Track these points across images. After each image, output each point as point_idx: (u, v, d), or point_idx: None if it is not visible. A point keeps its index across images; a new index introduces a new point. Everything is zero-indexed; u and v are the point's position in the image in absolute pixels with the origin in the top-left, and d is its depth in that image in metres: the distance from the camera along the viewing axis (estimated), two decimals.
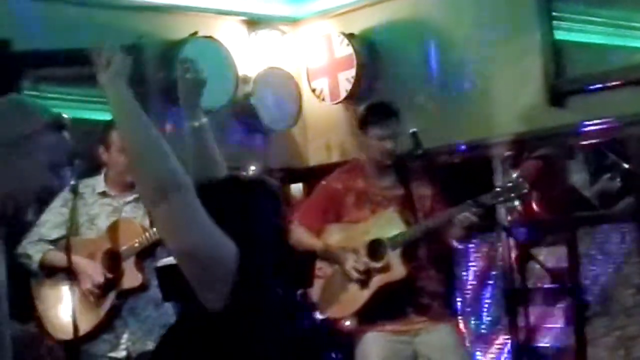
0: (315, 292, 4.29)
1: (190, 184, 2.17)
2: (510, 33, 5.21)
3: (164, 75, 5.56)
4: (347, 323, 4.46)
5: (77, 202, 3.88)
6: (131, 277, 3.90)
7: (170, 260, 2.28)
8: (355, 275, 4.08)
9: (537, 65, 5.06)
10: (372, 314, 4.11)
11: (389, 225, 4.09)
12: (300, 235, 4.25)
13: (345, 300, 4.16)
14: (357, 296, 4.12)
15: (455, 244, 4.23)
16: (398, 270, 4.04)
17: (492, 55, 5.29)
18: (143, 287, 3.91)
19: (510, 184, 3.99)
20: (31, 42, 4.93)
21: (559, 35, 5.04)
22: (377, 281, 4.08)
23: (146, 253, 3.87)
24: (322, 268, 4.25)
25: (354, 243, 4.14)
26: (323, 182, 4.38)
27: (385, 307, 4.09)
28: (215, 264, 2.17)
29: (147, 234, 3.88)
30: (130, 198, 4.05)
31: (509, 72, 5.23)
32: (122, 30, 5.32)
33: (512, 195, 3.96)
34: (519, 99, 5.19)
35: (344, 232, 4.20)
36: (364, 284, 4.10)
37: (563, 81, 5.01)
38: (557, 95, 5.00)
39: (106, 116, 4.82)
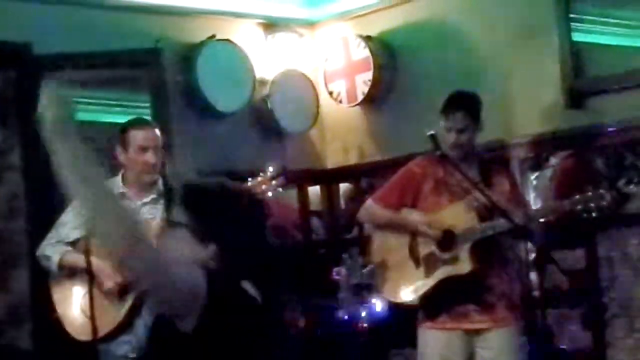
0: (378, 271, 4.29)
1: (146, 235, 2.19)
2: (528, 35, 5.21)
3: (183, 78, 5.59)
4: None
5: None
6: None
7: None
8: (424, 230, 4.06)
9: (556, 66, 5.06)
10: (434, 308, 4.09)
11: (464, 217, 4.05)
12: (374, 210, 4.26)
13: (408, 287, 4.14)
14: (420, 284, 4.10)
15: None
16: (465, 264, 4.00)
17: (510, 57, 5.29)
18: None
19: (590, 194, 3.93)
20: (51, 46, 4.97)
21: (577, 36, 5.03)
22: (442, 272, 4.04)
23: None
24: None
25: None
26: (405, 166, 4.34)
27: (448, 302, 4.06)
28: (184, 297, 2.22)
29: None
30: (147, 199, 4.07)
31: (527, 73, 5.22)
32: (140, 34, 5.35)
33: (592, 205, 3.90)
34: (537, 100, 5.18)
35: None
36: (428, 272, 4.08)
37: (581, 82, 5.00)
38: (575, 97, 4.99)
39: (124, 118, 4.86)
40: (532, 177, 5.25)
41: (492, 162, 4.27)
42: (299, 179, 5.99)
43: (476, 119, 4.12)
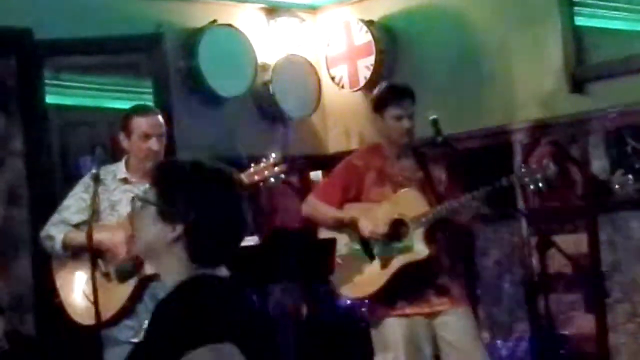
0: (335, 274, 4.25)
1: None
2: (530, 19, 5.20)
3: (184, 63, 5.59)
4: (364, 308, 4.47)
5: (98, 188, 3.90)
6: None
7: None
8: (377, 237, 4.06)
9: (558, 51, 5.05)
10: (392, 296, 4.11)
11: (412, 204, 4.07)
12: (320, 208, 4.26)
13: (365, 281, 4.15)
14: (378, 277, 4.11)
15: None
16: (421, 249, 4.03)
17: (512, 42, 5.28)
18: None
19: (535, 166, 3.96)
20: (52, 31, 4.96)
21: (580, 21, 5.02)
22: (398, 261, 4.06)
23: None
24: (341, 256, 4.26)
25: (376, 222, 4.11)
26: (345, 159, 4.37)
27: (406, 289, 4.09)
28: None
29: None
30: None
31: (529, 58, 5.21)
32: (141, 19, 5.34)
33: (538, 176, 3.92)
34: (539, 85, 5.18)
35: (365, 212, 4.16)
36: (384, 264, 4.10)
37: (583, 67, 4.99)
38: (577, 82, 4.99)
39: (125, 103, 4.86)
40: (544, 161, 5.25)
41: (428, 153, 4.27)
42: (300, 164, 5.99)
43: (415, 107, 4.15)
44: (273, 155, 4.08)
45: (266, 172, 4.04)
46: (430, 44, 5.70)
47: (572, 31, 5.01)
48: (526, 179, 3.95)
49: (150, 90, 5.35)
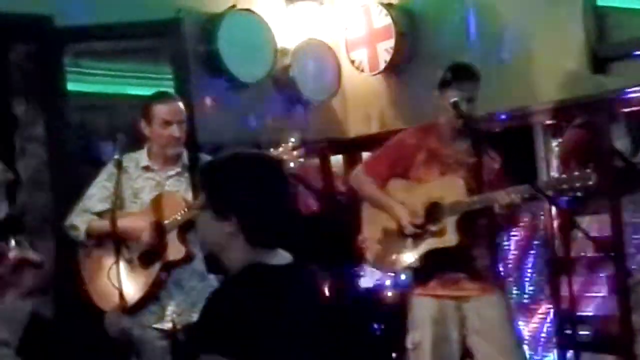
0: (369, 249, 4.30)
1: None
2: None
3: (204, 48, 5.58)
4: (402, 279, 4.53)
5: (121, 176, 3.92)
6: (175, 249, 3.94)
7: None
8: (411, 230, 4.10)
9: (579, 31, 5.00)
10: (424, 276, 4.13)
11: (452, 190, 4.07)
12: (364, 183, 4.30)
13: (395, 258, 4.18)
14: (408, 254, 4.15)
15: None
16: (451, 236, 4.03)
17: (533, 22, 5.23)
18: (187, 259, 3.95)
19: (577, 174, 3.90)
20: (72, 18, 4.96)
21: (602, 0, 4.97)
22: (428, 244, 4.09)
23: (189, 225, 3.91)
24: (366, 239, 4.28)
25: (415, 202, 4.14)
26: (398, 135, 4.37)
27: (437, 270, 4.11)
28: None
29: (189, 207, 3.91)
30: (172, 172, 4.09)
31: (551, 38, 5.17)
32: (161, 4, 5.33)
33: (577, 185, 3.87)
34: (560, 65, 5.13)
35: (407, 190, 4.20)
36: (416, 243, 4.12)
37: (605, 47, 4.94)
38: (599, 62, 4.94)
39: (145, 89, 4.87)
40: (555, 144, 5.22)
41: (484, 136, 4.25)
42: (321, 148, 5.99)
43: (478, 89, 4.12)
44: (292, 139, 4.08)
45: (285, 157, 4.04)
46: (450, 26, 5.66)
47: (594, 11, 4.96)
48: (564, 186, 3.84)
49: (170, 75, 5.36)
